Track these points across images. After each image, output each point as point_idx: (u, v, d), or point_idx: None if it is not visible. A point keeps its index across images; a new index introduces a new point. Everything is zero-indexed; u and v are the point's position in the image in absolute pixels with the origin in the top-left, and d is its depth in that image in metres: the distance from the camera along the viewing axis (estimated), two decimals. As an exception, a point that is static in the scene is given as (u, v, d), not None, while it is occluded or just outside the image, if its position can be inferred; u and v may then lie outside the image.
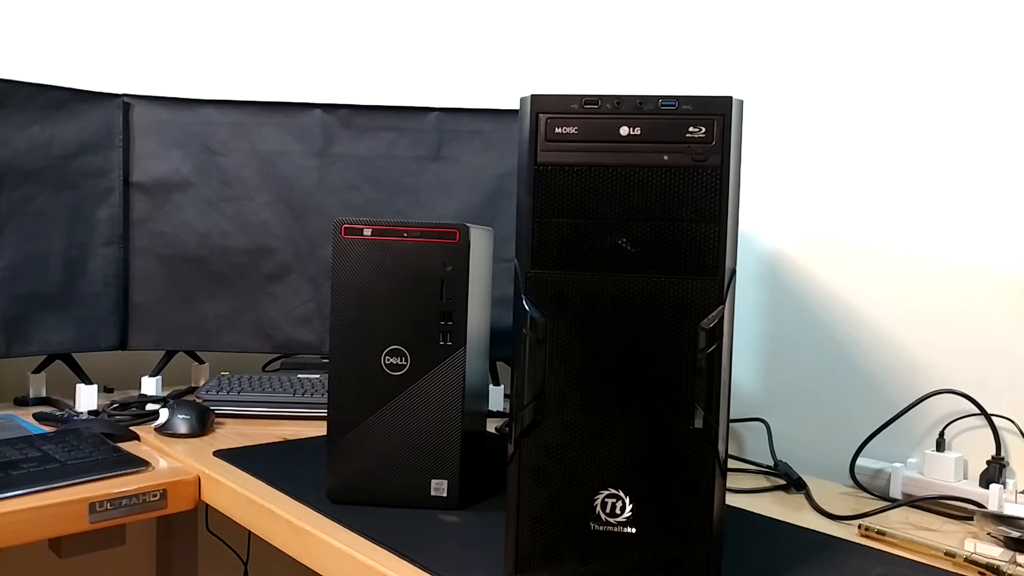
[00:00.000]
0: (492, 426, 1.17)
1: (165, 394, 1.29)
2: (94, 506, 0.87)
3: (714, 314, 0.63)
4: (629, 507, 0.64)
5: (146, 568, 1.47)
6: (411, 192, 1.33)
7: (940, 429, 0.97)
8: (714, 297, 0.63)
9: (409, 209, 1.33)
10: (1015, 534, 0.76)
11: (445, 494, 0.84)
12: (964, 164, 0.97)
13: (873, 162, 1.05)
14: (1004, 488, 0.88)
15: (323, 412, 1.19)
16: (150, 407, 1.20)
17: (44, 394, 1.27)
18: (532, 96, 0.65)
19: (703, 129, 0.63)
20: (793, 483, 0.98)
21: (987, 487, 0.89)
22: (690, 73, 1.26)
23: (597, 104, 0.64)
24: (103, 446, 0.98)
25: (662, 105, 0.63)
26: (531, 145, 0.65)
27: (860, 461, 0.98)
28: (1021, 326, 0.93)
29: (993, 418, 0.93)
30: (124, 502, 0.89)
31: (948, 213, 0.99)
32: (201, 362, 1.40)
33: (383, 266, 0.84)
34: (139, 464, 0.95)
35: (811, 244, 1.11)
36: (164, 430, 1.09)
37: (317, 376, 1.33)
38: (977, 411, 0.94)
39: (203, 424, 1.10)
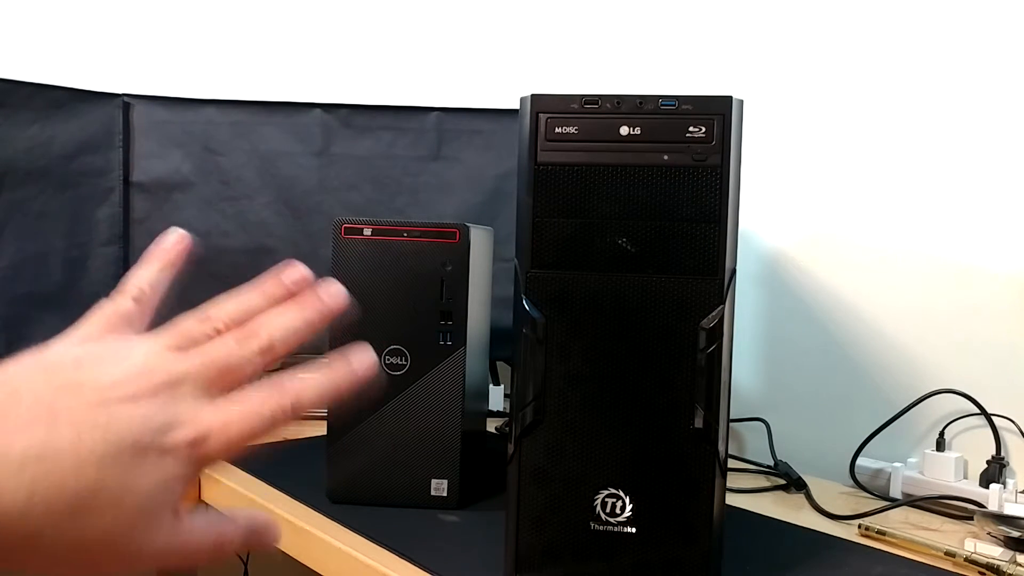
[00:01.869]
0: (492, 426, 1.17)
1: (165, 394, 1.29)
2: (94, 506, 0.86)
3: (714, 314, 0.63)
4: (629, 507, 0.64)
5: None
6: (411, 192, 1.33)
7: (940, 429, 0.97)
8: (714, 297, 0.63)
9: (409, 209, 1.33)
10: (1015, 534, 0.76)
11: (445, 494, 0.84)
12: (964, 164, 0.97)
13: (873, 162, 1.05)
14: (1004, 488, 0.88)
15: (323, 412, 1.19)
16: (150, 407, 1.20)
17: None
18: (532, 96, 0.65)
19: (703, 129, 0.63)
20: (793, 483, 0.98)
21: (987, 487, 0.89)
22: (690, 73, 1.26)
23: (597, 104, 0.64)
24: (103, 446, 0.98)
25: (662, 105, 0.63)
26: (531, 145, 0.65)
27: (860, 461, 0.98)
28: (1021, 326, 0.93)
29: (993, 418, 0.93)
30: (124, 502, 0.88)
31: (949, 213, 0.99)
32: (201, 362, 1.39)
33: (383, 266, 0.84)
34: (139, 464, 0.94)
35: (811, 244, 1.11)
36: (164, 430, 1.09)
37: (317, 376, 1.33)
38: (977, 411, 0.94)
39: (203, 424, 1.10)
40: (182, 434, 0.32)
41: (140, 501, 0.31)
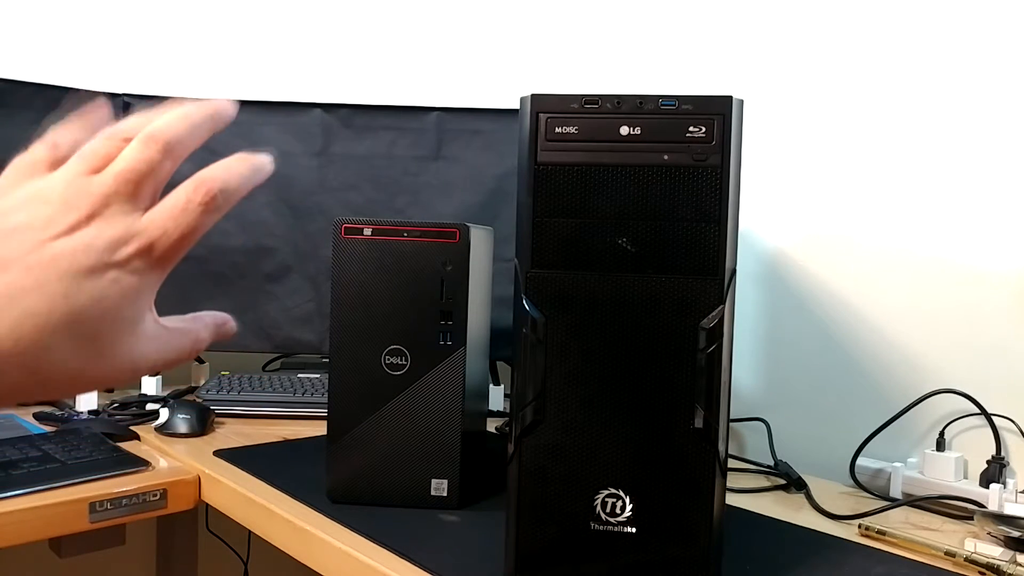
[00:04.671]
0: (492, 426, 1.17)
1: (165, 394, 1.29)
2: (94, 506, 0.87)
3: (714, 314, 0.63)
4: (629, 507, 0.64)
5: (146, 568, 1.47)
6: (411, 192, 1.33)
7: (940, 429, 0.97)
8: (714, 297, 0.63)
9: (409, 209, 1.33)
10: (1015, 534, 0.76)
11: (445, 494, 0.84)
12: (964, 164, 0.97)
13: (873, 162, 1.05)
14: (1004, 488, 0.88)
15: (323, 412, 1.19)
16: (150, 407, 1.20)
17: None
18: (532, 96, 0.65)
19: (703, 129, 0.63)
20: (793, 483, 0.98)
21: (987, 487, 0.89)
22: (690, 73, 1.26)
23: (597, 104, 0.64)
24: (103, 446, 0.98)
25: (662, 105, 0.63)
26: (531, 145, 0.65)
27: (860, 461, 0.98)
28: (1021, 325, 0.93)
29: (993, 418, 0.93)
30: (124, 502, 0.89)
31: (948, 213, 0.99)
32: (201, 362, 1.40)
33: (383, 266, 0.84)
34: (139, 464, 0.95)
35: (811, 244, 1.11)
36: (164, 430, 1.09)
37: (317, 376, 1.33)
38: (977, 411, 0.94)
39: (203, 424, 1.10)
40: (128, 248, 0.34)
41: (114, 317, 0.34)
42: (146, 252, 0.35)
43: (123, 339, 0.35)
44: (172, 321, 0.38)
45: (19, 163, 0.38)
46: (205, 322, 0.41)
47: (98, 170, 0.36)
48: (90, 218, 0.34)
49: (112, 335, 0.34)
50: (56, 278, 0.32)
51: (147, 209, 0.36)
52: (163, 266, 0.36)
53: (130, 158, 0.36)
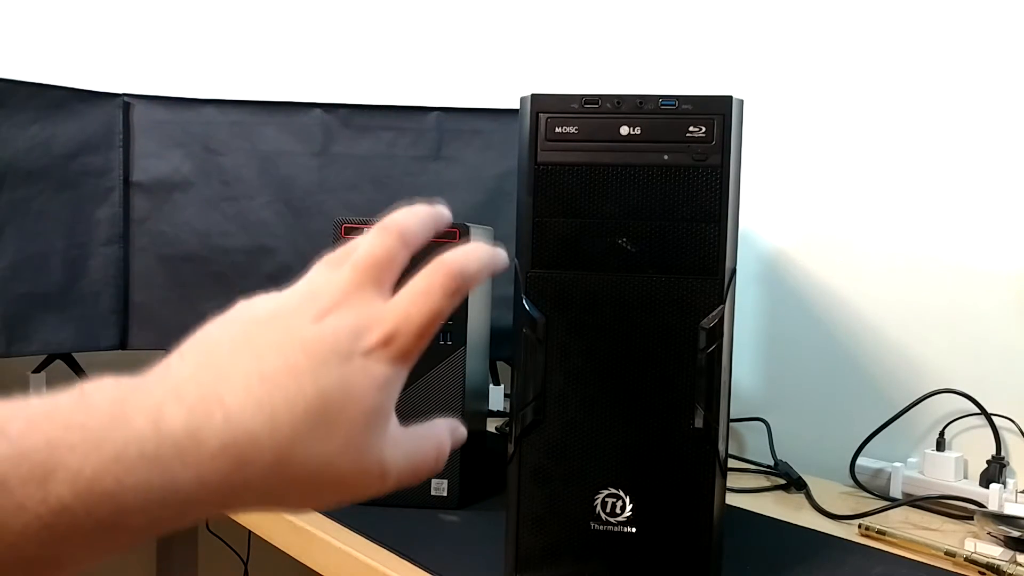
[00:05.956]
0: (492, 426, 1.17)
1: (165, 394, 1.29)
2: (94, 506, 0.86)
3: (714, 314, 0.63)
4: (629, 507, 0.64)
5: (146, 568, 1.47)
6: (411, 192, 1.33)
7: (940, 429, 0.97)
8: (714, 297, 0.63)
9: (409, 209, 1.32)
10: (1015, 534, 0.76)
11: (445, 493, 0.84)
12: (965, 163, 0.97)
13: (873, 162, 1.05)
14: (1004, 488, 0.88)
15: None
16: (150, 407, 1.20)
17: (45, 393, 1.27)
18: (532, 96, 0.65)
19: (703, 129, 0.63)
20: (793, 483, 0.98)
21: (987, 487, 0.89)
22: (690, 73, 1.26)
23: (597, 104, 0.64)
24: (103, 446, 0.98)
25: (662, 105, 0.63)
26: (531, 145, 0.65)
27: (860, 461, 0.98)
28: (1021, 326, 0.93)
29: (993, 418, 0.93)
30: (124, 502, 0.88)
31: (949, 212, 0.99)
32: (201, 362, 1.39)
33: (383, 266, 0.84)
34: (139, 464, 0.94)
35: (811, 244, 1.11)
36: (164, 430, 1.08)
37: (317, 376, 1.32)
38: (977, 411, 0.94)
39: (203, 424, 1.09)
40: (373, 336, 0.34)
41: (363, 406, 0.33)
42: (390, 340, 0.34)
43: (371, 433, 0.34)
44: (411, 428, 0.38)
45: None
46: (442, 427, 0.40)
47: (339, 264, 0.37)
48: (335, 307, 0.34)
49: (360, 426, 0.33)
50: (304, 359, 0.32)
51: (389, 296, 0.36)
52: (405, 360, 0.35)
53: (368, 247, 0.36)
